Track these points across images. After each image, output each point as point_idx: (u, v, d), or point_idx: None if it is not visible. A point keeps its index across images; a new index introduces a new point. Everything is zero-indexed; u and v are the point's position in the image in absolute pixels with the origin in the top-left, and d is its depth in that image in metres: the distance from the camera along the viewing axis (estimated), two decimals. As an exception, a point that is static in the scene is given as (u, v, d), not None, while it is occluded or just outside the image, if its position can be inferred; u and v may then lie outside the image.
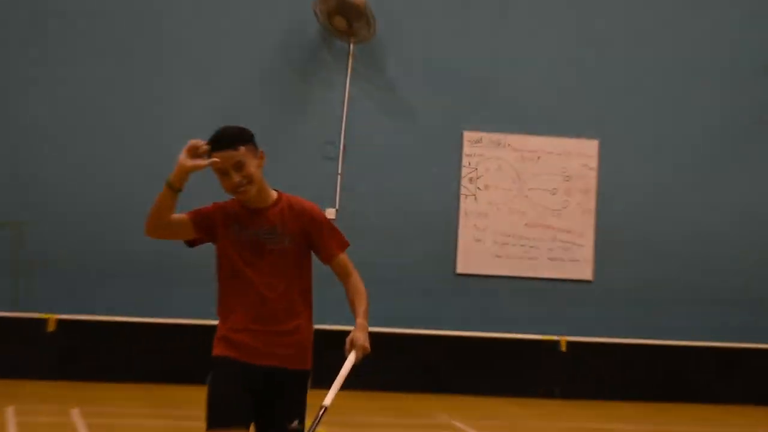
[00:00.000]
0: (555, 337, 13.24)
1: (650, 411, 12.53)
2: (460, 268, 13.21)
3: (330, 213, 12.56)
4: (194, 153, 4.28)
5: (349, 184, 13.11)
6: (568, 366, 13.19)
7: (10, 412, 9.76)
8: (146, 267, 12.20)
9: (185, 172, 4.27)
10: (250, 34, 12.94)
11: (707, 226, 13.81)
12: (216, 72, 12.86)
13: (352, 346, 4.50)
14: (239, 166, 4.47)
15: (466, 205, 13.25)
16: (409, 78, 13.46)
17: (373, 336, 4.61)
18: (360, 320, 4.64)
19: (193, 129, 12.39)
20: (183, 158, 4.25)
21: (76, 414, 9.68)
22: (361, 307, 4.71)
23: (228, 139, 4.47)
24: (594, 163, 13.68)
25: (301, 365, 4.71)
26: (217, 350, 4.67)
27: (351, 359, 4.50)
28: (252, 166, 4.53)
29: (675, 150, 13.89)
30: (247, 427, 4.60)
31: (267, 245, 4.63)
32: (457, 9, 13.47)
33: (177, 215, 4.51)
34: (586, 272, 13.59)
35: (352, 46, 13.16)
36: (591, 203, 13.56)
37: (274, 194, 4.72)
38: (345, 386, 4.48)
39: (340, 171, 13.09)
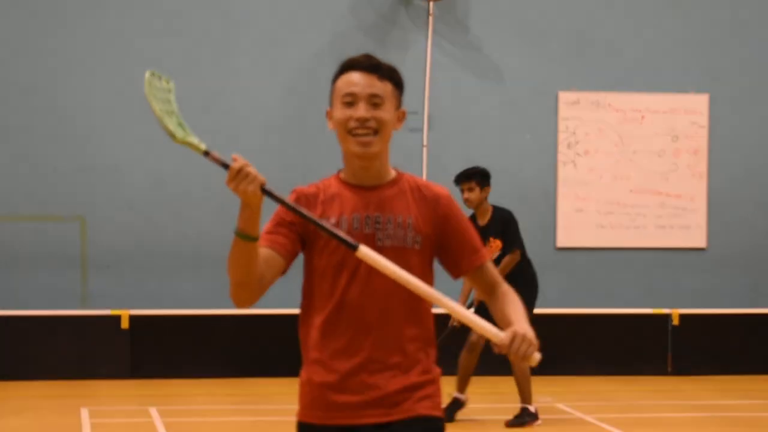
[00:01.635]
0: (666, 311, 12.96)
1: (775, 384, 12.62)
2: (561, 242, 13.03)
3: (416, 189, 12.04)
4: (246, 172, 3.16)
5: (435, 156, 12.74)
6: (681, 340, 12.96)
7: (84, 414, 9.99)
8: (218, 258, 11.83)
9: (257, 204, 3.18)
10: None
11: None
12: (285, 40, 12.62)
13: (516, 336, 3.32)
14: (376, 102, 3.43)
15: (564, 173, 12.89)
16: (495, 36, 13.12)
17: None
18: (526, 326, 3.43)
19: (263, 102, 11.65)
20: (243, 186, 3.13)
21: (154, 413, 9.89)
22: (521, 312, 3.50)
23: (378, 64, 3.49)
24: (704, 120, 13.30)
25: (429, 410, 3.53)
26: (302, 412, 3.56)
27: (497, 334, 3.33)
28: (389, 113, 3.46)
29: None
30: None
31: (377, 240, 3.48)
32: (547, -44, 13.14)
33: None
34: (698, 239, 13.39)
35: (431, 4, 12.81)
36: (702, 164, 13.25)
37: (393, 171, 3.60)
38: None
39: (425, 143, 12.70)
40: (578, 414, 10.73)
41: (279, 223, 3.48)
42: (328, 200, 3.51)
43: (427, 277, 3.51)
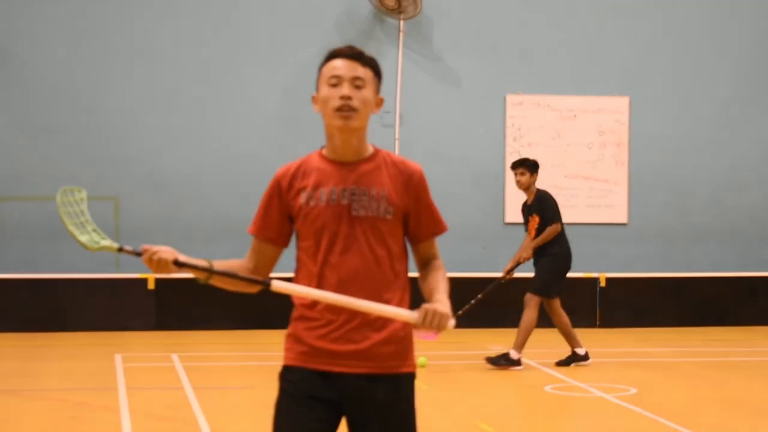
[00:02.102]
0: (595, 275, 13.73)
1: (683, 334, 13.15)
2: (509, 218, 13.75)
3: (390, 176, 12.78)
4: (156, 260, 3.38)
5: (406, 147, 13.45)
6: (607, 299, 13.78)
7: (118, 359, 10.58)
8: (228, 230, 12.86)
9: (179, 269, 3.42)
10: (308, 16, 13.63)
11: (727, 170, 14.33)
12: (278, 52, 13.62)
13: (428, 312, 3.33)
14: (358, 84, 3.50)
15: (511, 161, 12.73)
16: (454, 49, 14.04)
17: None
18: (443, 297, 3.47)
19: (259, 105, 13.14)
20: (157, 268, 3.39)
21: (175, 359, 10.50)
22: (443, 284, 3.55)
23: (360, 52, 3.57)
24: (625, 118, 14.17)
25: (398, 367, 3.54)
26: (286, 356, 3.58)
27: (410, 315, 3.38)
28: (370, 95, 3.51)
29: (697, 102, 14.31)
30: None
31: (352, 210, 3.50)
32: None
33: (252, 253, 3.62)
34: (621, 216, 14.22)
35: (401, 22, 13.76)
36: (624, 155, 14.13)
37: (371, 147, 3.61)
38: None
39: (397, 136, 13.57)
40: (524, 360, 10.78)
41: (267, 208, 3.56)
42: (308, 173, 3.52)
43: (398, 243, 3.51)
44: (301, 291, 3.40)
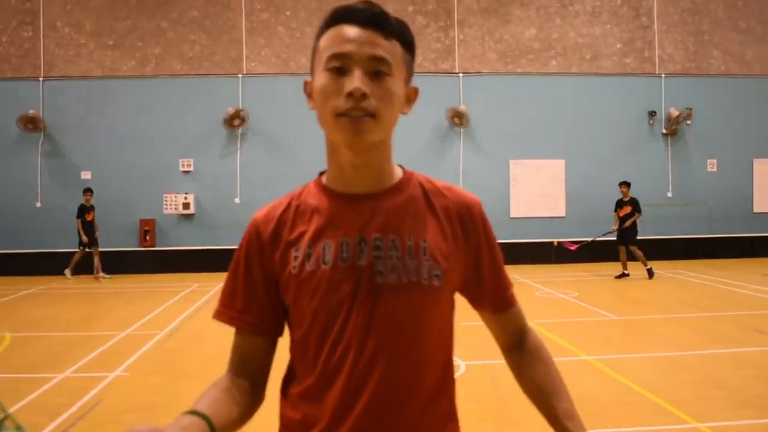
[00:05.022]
0: (551, 240, 21.58)
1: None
2: (512, 215, 21.80)
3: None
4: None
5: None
6: (558, 253, 21.32)
7: None
8: None
9: None
10: (418, 124, 20.94)
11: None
12: (406, 136, 20.12)
13: None
14: (379, 69, 1.85)
15: (513, 190, 22.84)
16: (485, 138, 21.71)
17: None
18: (577, 425, 2.00)
19: (410, 147, 21.22)
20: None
21: None
22: (565, 399, 2.03)
23: (382, 13, 1.88)
24: (562, 174, 21.97)
25: None
26: None
27: None
28: (397, 86, 1.90)
29: (597, 157, 21.52)
30: None
31: (377, 274, 1.90)
32: (497, 105, 21.94)
33: (234, 354, 2.05)
34: (561, 212, 22.19)
35: (462, 129, 21.47)
36: (563, 187, 22.28)
37: (398, 170, 2.05)
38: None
39: (460, 184, 20.87)
40: (528, 282, 16.16)
41: (244, 277, 2.00)
42: (302, 217, 1.96)
43: (448, 328, 2.01)
44: None
